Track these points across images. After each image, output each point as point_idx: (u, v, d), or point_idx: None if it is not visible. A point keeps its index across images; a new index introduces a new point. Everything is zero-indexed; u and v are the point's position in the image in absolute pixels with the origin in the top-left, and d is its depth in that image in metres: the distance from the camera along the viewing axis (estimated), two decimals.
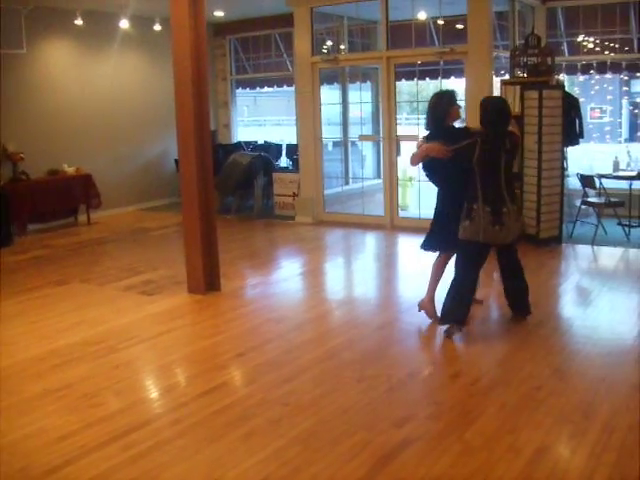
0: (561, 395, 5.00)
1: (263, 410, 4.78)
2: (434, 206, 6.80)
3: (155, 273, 8.69)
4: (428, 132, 6.64)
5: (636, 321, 6.64)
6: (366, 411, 4.76)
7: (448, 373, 5.46)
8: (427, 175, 6.82)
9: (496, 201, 6.09)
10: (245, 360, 5.80)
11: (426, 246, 6.82)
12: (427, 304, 6.75)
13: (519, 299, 6.73)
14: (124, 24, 12.42)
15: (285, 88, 15.85)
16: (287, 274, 8.85)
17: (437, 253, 6.83)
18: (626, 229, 10.23)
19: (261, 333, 6.45)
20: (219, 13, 13.60)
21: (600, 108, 19.72)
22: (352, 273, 9.32)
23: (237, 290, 7.96)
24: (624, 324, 6.56)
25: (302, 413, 4.73)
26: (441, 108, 6.50)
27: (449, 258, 6.74)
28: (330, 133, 13.35)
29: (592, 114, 19.94)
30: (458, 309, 6.27)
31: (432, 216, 6.81)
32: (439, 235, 6.62)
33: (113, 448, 4.32)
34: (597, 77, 12.46)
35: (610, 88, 14.74)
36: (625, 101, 18.87)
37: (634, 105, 19.51)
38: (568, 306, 7.44)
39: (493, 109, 6.30)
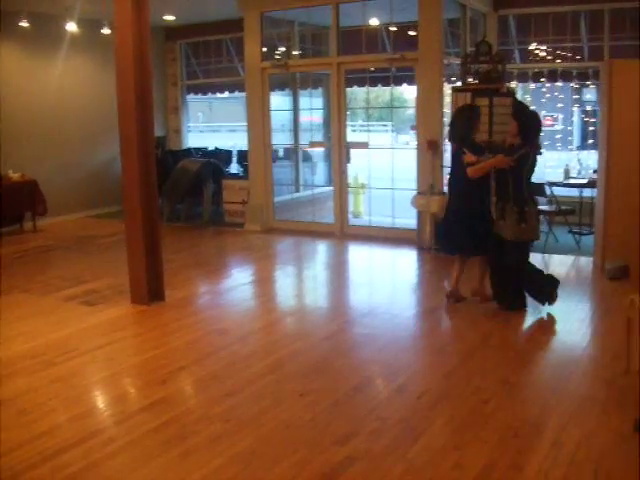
0: (509, 409, 4.91)
1: (203, 427, 4.61)
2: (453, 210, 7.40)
3: (99, 282, 8.45)
4: (455, 145, 7.38)
5: (585, 331, 6.59)
6: (308, 427, 4.61)
7: (394, 387, 5.30)
8: (453, 180, 7.39)
9: (523, 202, 6.82)
10: (186, 374, 5.62)
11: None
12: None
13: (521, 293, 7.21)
14: (71, 27, 12.14)
15: (237, 94, 15.68)
16: (234, 283, 8.68)
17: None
18: (577, 237, 10.24)
19: (204, 345, 6.27)
20: (170, 17, 13.38)
21: (551, 116, 19.79)
22: (301, 282, 9.17)
23: (182, 300, 7.75)
24: (574, 334, 6.51)
25: (243, 430, 4.56)
26: (471, 122, 7.25)
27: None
28: (281, 140, 13.20)
29: (543, 122, 19.97)
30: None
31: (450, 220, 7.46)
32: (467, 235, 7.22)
33: (43, 470, 4.11)
34: (548, 85, 12.45)
35: (561, 96, 14.76)
36: (576, 109, 18.98)
37: (585, 113, 19.64)
38: (519, 314, 7.32)
39: (538, 122, 7.04)
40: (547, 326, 6.84)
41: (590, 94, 19.83)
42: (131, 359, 6.03)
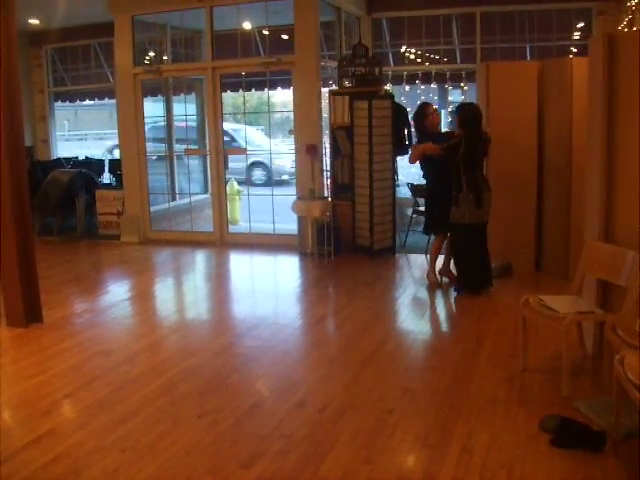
0: (414, 417, 4.81)
1: (97, 459, 4.27)
2: (424, 199, 8.92)
3: None
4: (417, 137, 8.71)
5: (479, 331, 6.58)
6: (210, 451, 4.36)
7: (294, 401, 5.10)
8: (423, 170, 8.56)
9: (477, 189, 7.60)
10: (73, 401, 5.23)
11: (426, 231, 8.67)
12: (446, 273, 8.43)
13: (488, 272, 7.98)
14: None
15: (107, 101, 15.19)
16: (114, 299, 8.28)
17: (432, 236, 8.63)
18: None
19: (89, 369, 5.87)
20: (34, 21, 12.84)
21: None
22: (183, 295, 8.89)
23: (61, 320, 7.31)
24: (467, 335, 6.49)
25: (140, 459, 4.26)
26: (417, 118, 8.58)
27: (444, 239, 8.31)
28: (155, 147, 12.83)
29: (414, 123, 20.19)
30: (468, 280, 7.90)
31: (424, 208, 8.89)
32: (435, 220, 8.30)
33: None
34: (422, 87, 12.55)
35: (435, 97, 14.93)
36: (444, 110, 19.27)
37: (450, 114, 19.98)
38: (408, 319, 7.29)
39: (469, 113, 7.70)
40: (439, 328, 6.81)
41: (453, 96, 20.28)
42: (10, 389, 5.53)
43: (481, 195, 7.62)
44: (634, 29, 8.87)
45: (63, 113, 19.03)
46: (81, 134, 30.17)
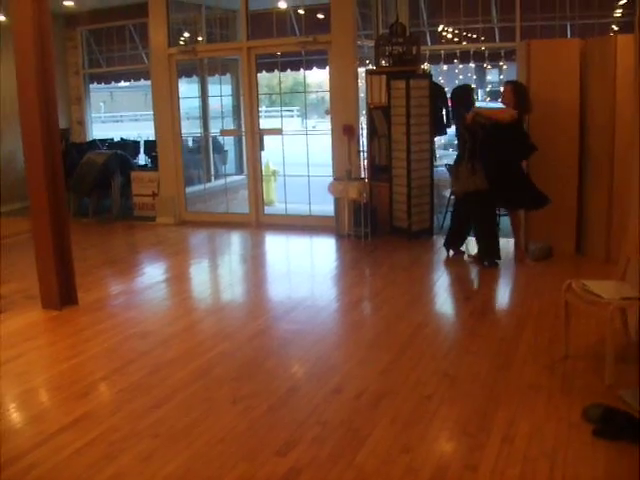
0: (454, 403, 4.69)
1: (131, 445, 4.22)
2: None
3: (5, 287, 7.87)
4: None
5: (519, 315, 6.45)
6: (245, 438, 4.28)
7: (330, 387, 5.00)
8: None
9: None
10: (108, 385, 5.20)
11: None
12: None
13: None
14: None
15: (142, 82, 15.15)
16: (150, 281, 8.25)
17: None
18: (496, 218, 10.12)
19: (124, 352, 5.84)
20: (69, 2, 12.76)
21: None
22: (219, 277, 8.82)
23: (96, 303, 7.28)
24: (507, 319, 6.39)
25: (174, 446, 4.20)
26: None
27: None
28: (190, 128, 12.77)
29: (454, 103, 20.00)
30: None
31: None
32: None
33: None
34: (460, 66, 12.36)
35: (474, 77, 14.74)
36: (481, 91, 19.08)
37: (489, 94, 19.75)
38: (447, 303, 7.17)
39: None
40: (479, 311, 6.67)
41: (491, 75, 20.01)
42: (45, 372, 5.54)
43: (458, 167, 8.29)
44: None
45: (99, 95, 19.07)
46: (117, 116, 30.28)
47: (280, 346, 5.95)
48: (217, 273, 9.00)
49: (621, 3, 10.95)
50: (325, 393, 4.92)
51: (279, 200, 12.53)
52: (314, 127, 19.00)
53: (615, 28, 10.92)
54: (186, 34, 12.14)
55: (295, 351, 5.86)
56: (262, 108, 18.92)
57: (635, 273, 5.49)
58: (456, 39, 11.81)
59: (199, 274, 8.87)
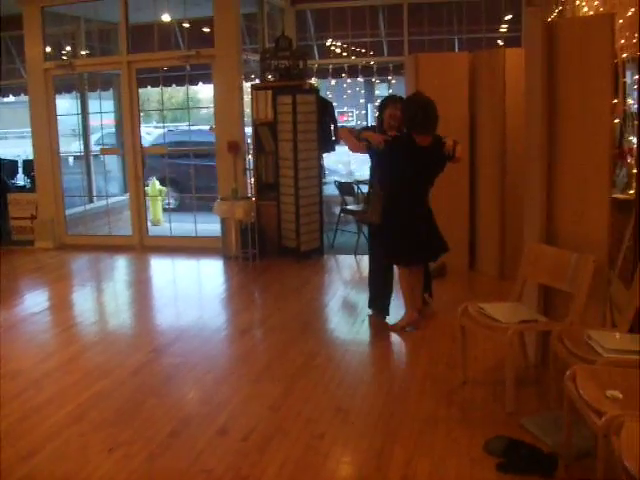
0: (347, 442, 4.40)
1: None
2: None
3: None
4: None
5: (413, 340, 6.21)
6: None
7: (215, 428, 4.62)
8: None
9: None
10: None
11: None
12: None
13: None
14: None
15: (22, 97, 14.45)
16: (27, 312, 7.68)
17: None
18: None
19: None
20: None
21: (351, 112, 19.78)
22: (101, 306, 8.32)
23: None
24: (400, 344, 6.14)
25: None
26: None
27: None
28: (69, 147, 12.19)
29: (341, 118, 19.96)
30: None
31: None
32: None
33: None
34: (349, 80, 12.21)
35: (362, 92, 14.60)
36: (370, 105, 19.03)
37: (376, 108, 19.68)
38: (339, 328, 6.87)
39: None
40: (372, 338, 6.42)
41: (380, 90, 20.09)
42: None
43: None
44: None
45: None
46: (1, 133, 29.18)
47: (162, 383, 5.52)
48: (99, 301, 8.49)
49: (506, 18, 10.99)
50: (210, 436, 4.53)
51: (166, 219, 12.09)
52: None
53: (500, 43, 10.96)
54: (68, 48, 11.59)
55: (178, 388, 5.44)
56: (151, 124, 18.47)
57: (531, 293, 5.33)
58: (344, 53, 11.66)
59: (79, 303, 8.33)
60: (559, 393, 4.01)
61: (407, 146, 6.24)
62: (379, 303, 6.90)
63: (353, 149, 6.67)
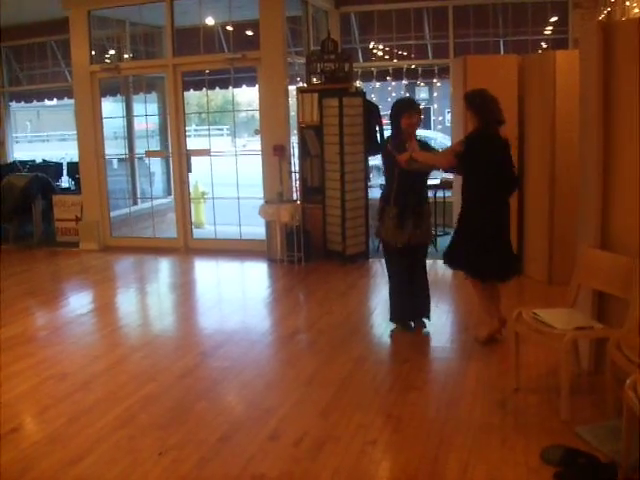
0: (401, 449, 4.36)
1: None
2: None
3: None
4: None
5: (464, 346, 6.13)
6: None
7: (266, 433, 4.59)
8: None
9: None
10: (20, 437, 4.68)
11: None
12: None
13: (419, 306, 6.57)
14: None
15: (66, 101, 14.58)
16: (72, 314, 7.72)
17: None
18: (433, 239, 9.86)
19: (40, 397, 5.33)
20: None
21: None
22: (146, 308, 8.34)
23: (13, 339, 6.71)
24: (453, 350, 6.06)
25: None
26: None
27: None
28: (114, 149, 12.26)
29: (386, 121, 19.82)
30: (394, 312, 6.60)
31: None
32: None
33: None
34: (393, 84, 12.15)
35: (407, 94, 14.52)
36: None
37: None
38: (387, 333, 6.76)
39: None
40: (423, 342, 6.34)
41: (423, 93, 19.97)
42: None
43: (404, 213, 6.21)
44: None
45: (24, 114, 18.41)
46: (43, 136, 29.54)
47: (210, 387, 5.50)
48: (144, 304, 8.51)
49: (552, 20, 10.88)
50: (261, 440, 4.51)
51: (209, 222, 12.11)
52: (244, 146, 18.73)
53: (545, 45, 10.87)
54: (111, 51, 11.66)
55: (226, 392, 5.43)
56: (191, 127, 18.55)
57: (586, 299, 5.23)
58: (387, 56, 11.61)
59: (124, 305, 8.36)
60: (617, 401, 3.93)
61: (492, 140, 5.87)
62: (410, 313, 6.68)
63: (445, 165, 6.28)
